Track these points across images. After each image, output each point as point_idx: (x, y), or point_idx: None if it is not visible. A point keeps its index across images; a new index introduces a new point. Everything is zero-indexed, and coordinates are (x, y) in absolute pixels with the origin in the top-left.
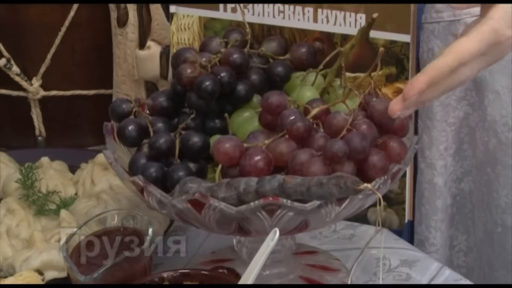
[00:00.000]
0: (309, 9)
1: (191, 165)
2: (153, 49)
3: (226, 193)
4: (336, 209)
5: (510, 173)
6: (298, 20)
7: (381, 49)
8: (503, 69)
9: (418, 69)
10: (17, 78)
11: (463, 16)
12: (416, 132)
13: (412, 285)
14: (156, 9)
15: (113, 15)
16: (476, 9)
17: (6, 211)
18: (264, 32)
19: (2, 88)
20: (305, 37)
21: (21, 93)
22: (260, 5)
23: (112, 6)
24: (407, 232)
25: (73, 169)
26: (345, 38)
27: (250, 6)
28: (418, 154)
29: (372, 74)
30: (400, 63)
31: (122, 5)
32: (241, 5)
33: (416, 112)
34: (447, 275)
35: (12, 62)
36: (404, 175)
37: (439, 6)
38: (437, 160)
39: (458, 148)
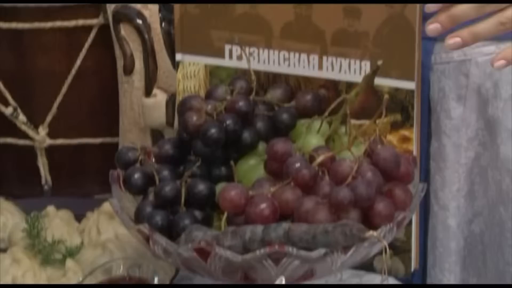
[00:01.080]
0: (314, 57)
1: (197, 213)
2: (159, 97)
3: (231, 242)
4: (342, 257)
5: None
6: (303, 67)
7: (386, 96)
8: None
9: (428, 111)
10: (23, 127)
11: (474, 55)
12: (427, 174)
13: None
14: (162, 57)
15: (120, 63)
16: (487, 48)
17: (12, 260)
18: (270, 79)
19: (8, 136)
20: (310, 85)
21: (27, 142)
22: (266, 52)
23: (118, 54)
24: (418, 279)
25: (79, 217)
26: (350, 85)
27: (255, 53)
28: (430, 196)
29: (377, 121)
30: (405, 110)
31: (129, 53)
32: (247, 52)
33: (428, 155)
34: None
35: (19, 110)
36: (410, 222)
37: None
38: (450, 201)
39: (470, 189)
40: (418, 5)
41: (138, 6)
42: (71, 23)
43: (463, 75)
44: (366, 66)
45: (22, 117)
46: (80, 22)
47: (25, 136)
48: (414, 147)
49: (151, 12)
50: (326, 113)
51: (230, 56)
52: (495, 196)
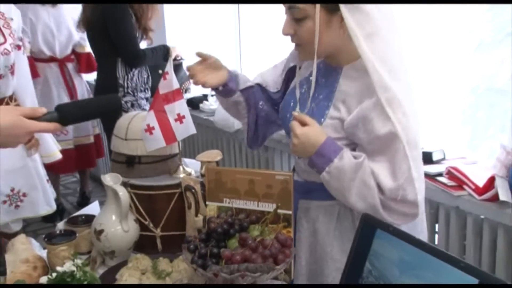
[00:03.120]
0: (255, 202)
1: (214, 260)
2: (200, 217)
3: (226, 270)
4: (267, 276)
5: None
6: (251, 206)
7: (281, 216)
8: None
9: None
10: (152, 228)
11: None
12: (294, 244)
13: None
14: (201, 203)
15: (186, 205)
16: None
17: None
18: (239, 210)
19: (146, 232)
20: (254, 213)
21: (152, 234)
22: (237, 201)
23: (186, 203)
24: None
25: (171, 261)
26: (268, 212)
27: (234, 201)
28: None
29: (278, 225)
30: (288, 221)
31: (189, 202)
32: (231, 201)
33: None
34: None
35: (150, 222)
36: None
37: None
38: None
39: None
40: (291, 186)
41: (192, 183)
42: (168, 192)
43: (331, 215)
44: (274, 206)
45: (151, 224)
46: (171, 191)
47: (152, 231)
48: (292, 234)
49: (197, 187)
50: (260, 223)
51: (226, 202)
52: (318, 257)
